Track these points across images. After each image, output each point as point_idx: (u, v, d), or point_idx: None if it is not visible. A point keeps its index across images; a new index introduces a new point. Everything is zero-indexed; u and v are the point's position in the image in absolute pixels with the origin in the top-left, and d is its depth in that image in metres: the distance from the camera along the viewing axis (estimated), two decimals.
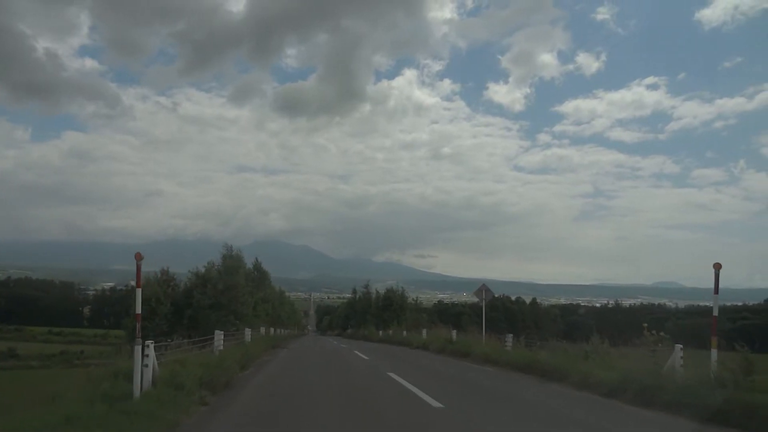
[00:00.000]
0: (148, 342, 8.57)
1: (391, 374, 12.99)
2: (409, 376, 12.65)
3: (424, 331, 29.05)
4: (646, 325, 11.71)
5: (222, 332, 15.33)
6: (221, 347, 14.80)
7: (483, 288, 21.44)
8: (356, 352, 22.45)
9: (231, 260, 31.75)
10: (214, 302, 29.31)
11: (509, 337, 17.49)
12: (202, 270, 31.37)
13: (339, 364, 17.09)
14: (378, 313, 50.51)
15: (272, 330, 31.54)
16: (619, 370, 10.67)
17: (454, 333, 23.18)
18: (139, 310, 7.76)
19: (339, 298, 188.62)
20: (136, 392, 7.59)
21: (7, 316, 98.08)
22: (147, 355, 8.47)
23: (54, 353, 59.11)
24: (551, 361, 13.37)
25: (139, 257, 7.72)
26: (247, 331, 20.50)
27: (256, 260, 40.67)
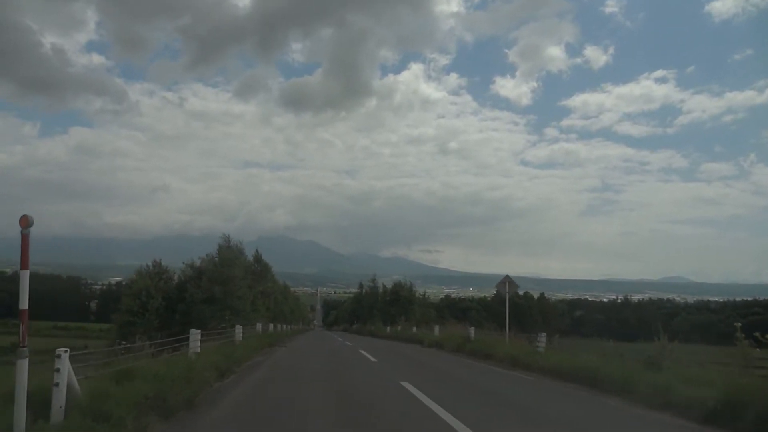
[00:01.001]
0: (59, 350, 5.83)
1: (406, 385, 10.20)
2: (428, 387, 9.86)
3: (437, 328, 26.29)
4: (739, 324, 8.90)
5: (199, 331, 12.57)
6: (198, 349, 12.06)
7: (506, 280, 18.61)
8: (362, 351, 19.72)
9: (228, 251, 29.18)
10: (208, 296, 26.82)
11: (542, 337, 14.57)
12: (198, 262, 28.90)
13: (342, 369, 14.34)
14: (385, 308, 47.84)
15: (271, 326, 28.90)
16: (715, 385, 7.83)
17: (472, 330, 20.38)
18: (24, 304, 4.96)
19: (345, 293, 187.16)
20: (20, 429, 4.83)
21: (13, 311, 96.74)
22: (58, 370, 5.75)
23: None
24: (607, 369, 10.53)
25: (25, 223, 4.95)
26: (238, 329, 17.78)
27: (257, 252, 38.08)
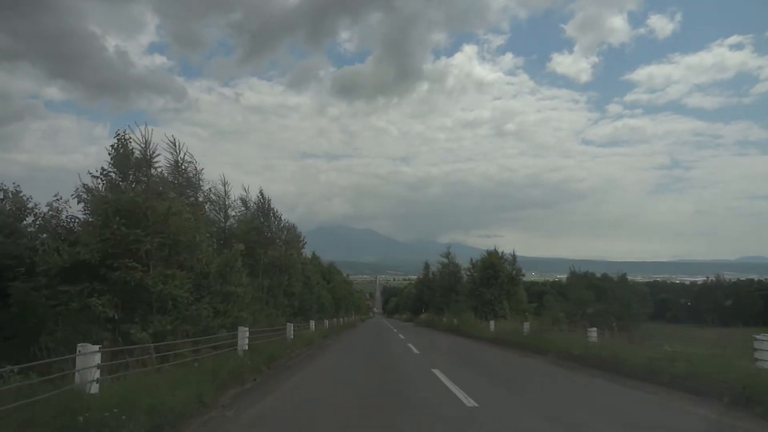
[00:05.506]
0: None
1: None
2: None
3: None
4: None
5: None
6: None
7: None
8: None
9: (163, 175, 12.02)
10: (74, 263, 9.61)
11: None
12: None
13: None
14: (477, 292, 29.24)
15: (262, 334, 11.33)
16: None
17: None
18: None
19: (405, 279, 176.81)
20: None
21: None
22: None
23: None
24: None
25: None
26: None
27: (261, 196, 20.56)
